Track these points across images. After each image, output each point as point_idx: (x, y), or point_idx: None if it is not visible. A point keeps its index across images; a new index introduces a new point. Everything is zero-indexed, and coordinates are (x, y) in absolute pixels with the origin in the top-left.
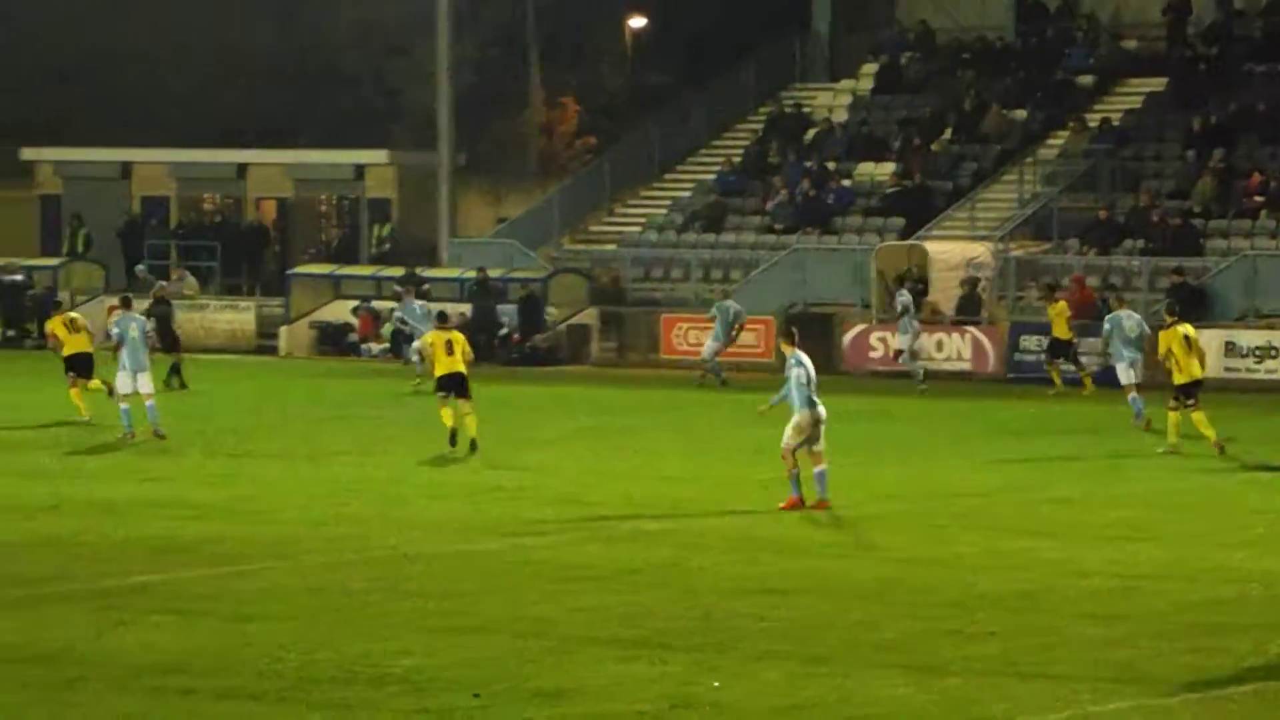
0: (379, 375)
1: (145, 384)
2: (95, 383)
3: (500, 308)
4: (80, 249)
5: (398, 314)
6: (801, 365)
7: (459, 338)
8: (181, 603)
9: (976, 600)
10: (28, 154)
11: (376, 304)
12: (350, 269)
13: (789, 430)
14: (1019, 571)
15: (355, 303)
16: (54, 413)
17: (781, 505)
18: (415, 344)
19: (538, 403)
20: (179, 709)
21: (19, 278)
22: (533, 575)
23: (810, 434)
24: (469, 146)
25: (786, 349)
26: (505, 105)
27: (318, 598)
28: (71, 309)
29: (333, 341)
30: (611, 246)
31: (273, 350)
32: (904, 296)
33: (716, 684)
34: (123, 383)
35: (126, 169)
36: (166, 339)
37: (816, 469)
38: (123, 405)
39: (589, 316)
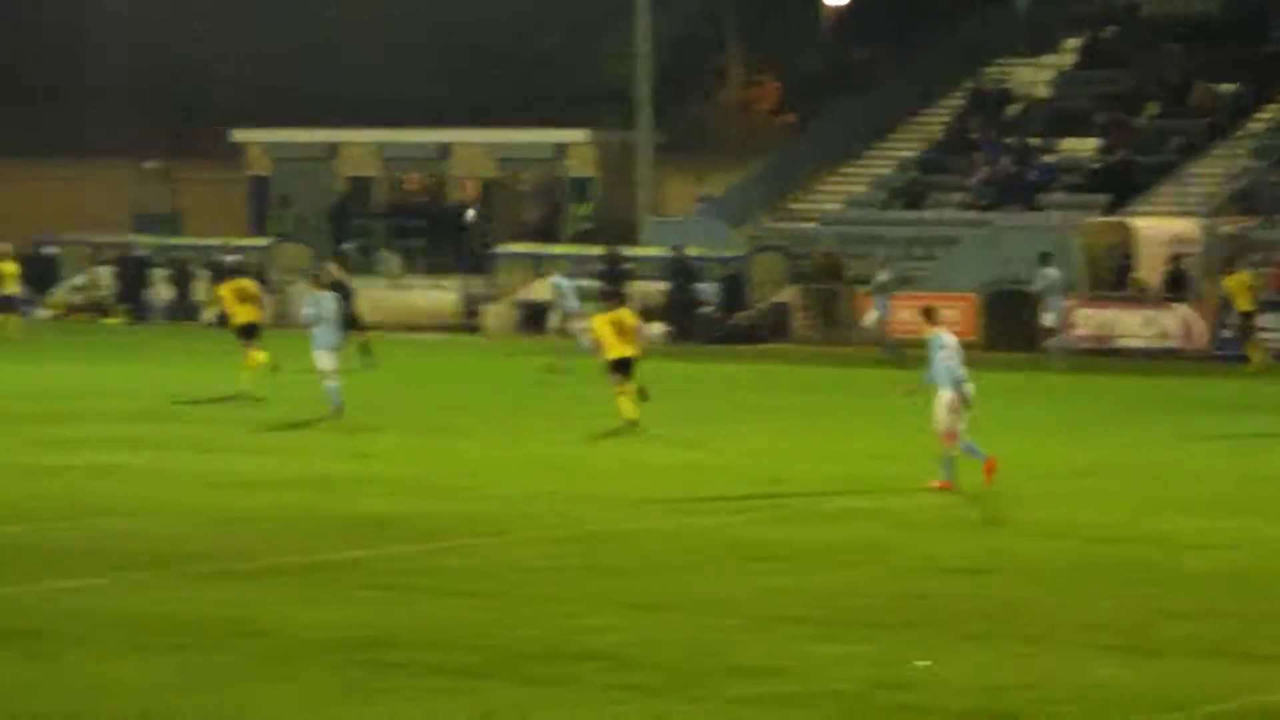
0: (579, 354)
1: (332, 360)
2: (263, 355)
3: (698, 286)
4: (289, 229)
5: (555, 280)
6: (945, 347)
7: (624, 316)
8: (389, 578)
9: (1187, 579)
10: (238, 135)
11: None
12: (553, 248)
13: (942, 411)
14: (1229, 550)
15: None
16: (260, 391)
17: (935, 484)
18: (578, 323)
19: (739, 380)
20: (393, 681)
21: (237, 258)
22: (734, 553)
23: (962, 413)
24: (669, 125)
25: (929, 330)
26: (705, 84)
27: (520, 574)
28: (245, 276)
29: (535, 320)
30: (811, 224)
31: (476, 329)
32: (1050, 272)
33: (922, 663)
34: (321, 360)
35: (333, 149)
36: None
37: (960, 446)
38: (328, 383)
39: (790, 294)
